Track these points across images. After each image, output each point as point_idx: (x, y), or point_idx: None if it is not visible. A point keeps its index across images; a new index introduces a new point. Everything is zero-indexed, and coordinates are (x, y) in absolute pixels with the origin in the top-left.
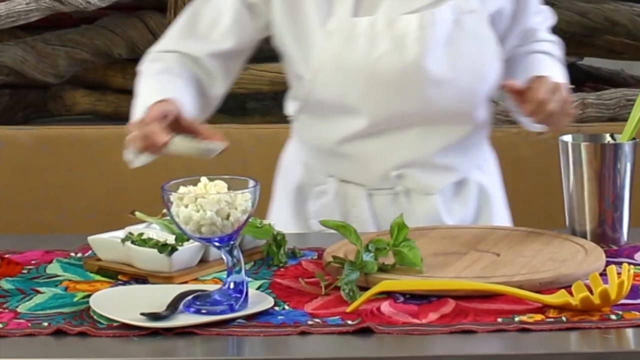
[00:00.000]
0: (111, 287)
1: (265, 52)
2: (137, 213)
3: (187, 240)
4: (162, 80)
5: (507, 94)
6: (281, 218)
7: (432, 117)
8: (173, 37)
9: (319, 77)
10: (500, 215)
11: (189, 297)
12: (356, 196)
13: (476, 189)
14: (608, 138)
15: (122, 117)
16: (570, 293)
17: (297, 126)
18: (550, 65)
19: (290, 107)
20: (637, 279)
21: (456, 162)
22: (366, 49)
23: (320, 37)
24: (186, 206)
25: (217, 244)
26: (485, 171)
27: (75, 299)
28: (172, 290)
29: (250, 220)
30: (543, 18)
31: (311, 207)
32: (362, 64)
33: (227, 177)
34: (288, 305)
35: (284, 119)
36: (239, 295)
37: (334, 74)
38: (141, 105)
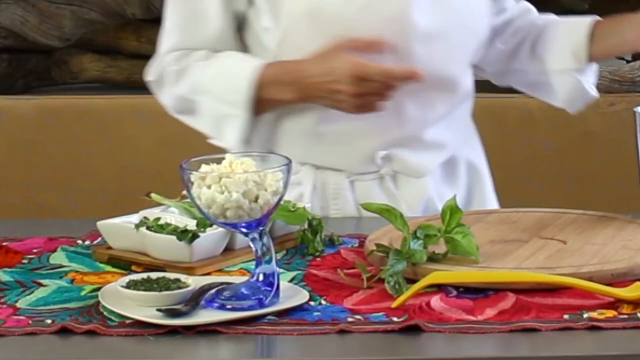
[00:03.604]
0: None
1: None
2: (153, 195)
3: (210, 225)
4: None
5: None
6: None
7: (421, 84)
8: (180, 36)
9: (290, 36)
10: (490, 197)
11: (212, 291)
12: (337, 184)
13: (466, 167)
14: None
15: (135, 85)
16: None
17: None
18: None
19: None
20: None
21: (446, 137)
22: None
23: None
24: (209, 187)
25: (244, 230)
26: (473, 147)
27: (83, 293)
28: (193, 283)
29: (281, 203)
30: None
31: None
32: (340, 16)
33: (255, 153)
34: (325, 299)
35: None
36: (269, 289)
37: (307, 31)
38: (249, 71)
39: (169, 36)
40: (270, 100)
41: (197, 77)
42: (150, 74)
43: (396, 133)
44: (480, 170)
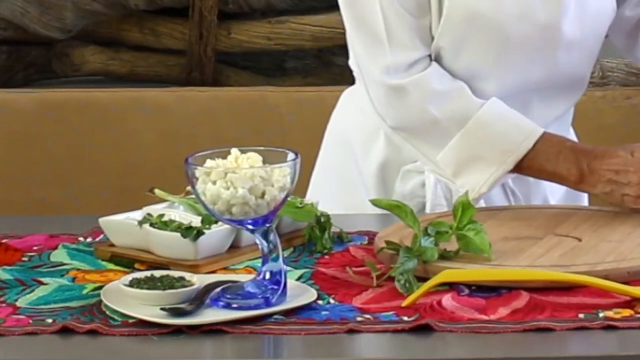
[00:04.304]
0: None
1: (308, 2)
2: (156, 190)
3: (216, 222)
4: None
5: None
6: (350, 201)
7: (554, 84)
8: (416, 45)
9: (444, 37)
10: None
11: (218, 289)
12: None
13: None
14: None
15: (138, 78)
16: None
17: None
18: None
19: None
20: None
21: (560, 134)
22: (500, 4)
23: None
24: (214, 182)
25: (250, 226)
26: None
27: (85, 292)
28: (198, 281)
29: (289, 199)
30: None
31: (399, 190)
32: (497, 22)
33: (262, 148)
34: (333, 298)
35: (328, 80)
36: (276, 287)
37: (462, 34)
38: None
39: (403, 46)
40: (537, 168)
41: (468, 111)
42: (391, 75)
43: None
44: None
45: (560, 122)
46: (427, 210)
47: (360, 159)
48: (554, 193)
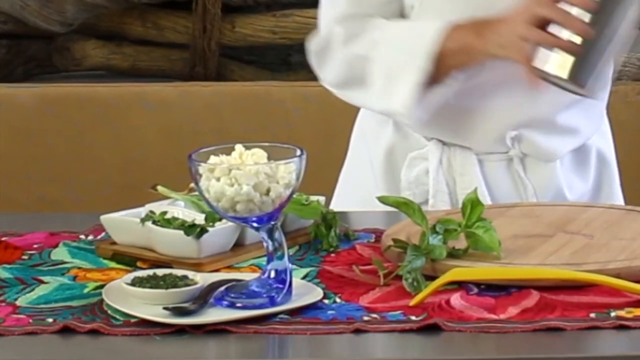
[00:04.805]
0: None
1: None
2: (159, 187)
3: (219, 220)
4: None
5: None
6: (359, 193)
7: None
8: (349, 3)
9: (425, 6)
10: (617, 190)
11: (222, 288)
12: (465, 162)
13: (596, 157)
14: None
15: (140, 72)
16: None
17: None
18: None
19: None
20: None
21: (580, 124)
22: None
23: None
24: (218, 179)
25: (254, 224)
26: (605, 136)
27: (86, 291)
28: (201, 280)
29: (294, 196)
30: None
31: (405, 177)
32: None
33: (267, 144)
34: (340, 297)
35: None
36: (281, 286)
37: (445, 2)
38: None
39: (334, 4)
40: (451, 54)
41: (376, 34)
42: (314, 43)
43: (528, 113)
44: (609, 161)
45: (584, 107)
46: (430, 197)
47: (371, 147)
48: (573, 188)
